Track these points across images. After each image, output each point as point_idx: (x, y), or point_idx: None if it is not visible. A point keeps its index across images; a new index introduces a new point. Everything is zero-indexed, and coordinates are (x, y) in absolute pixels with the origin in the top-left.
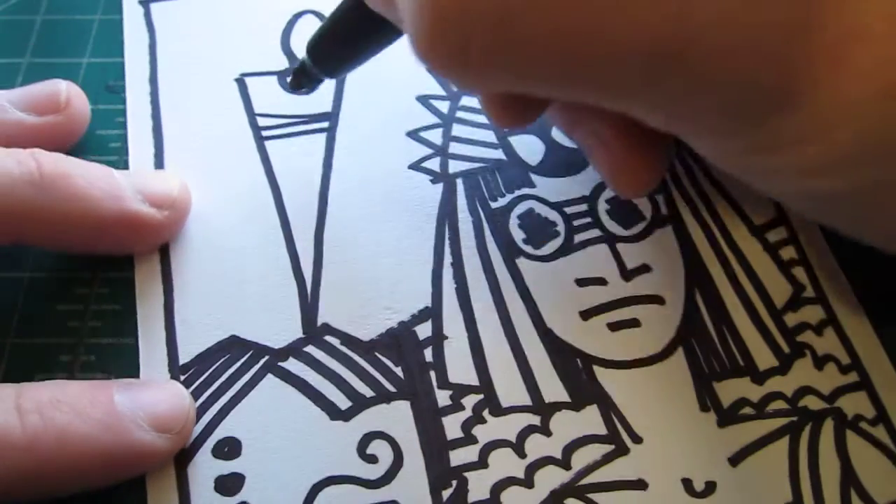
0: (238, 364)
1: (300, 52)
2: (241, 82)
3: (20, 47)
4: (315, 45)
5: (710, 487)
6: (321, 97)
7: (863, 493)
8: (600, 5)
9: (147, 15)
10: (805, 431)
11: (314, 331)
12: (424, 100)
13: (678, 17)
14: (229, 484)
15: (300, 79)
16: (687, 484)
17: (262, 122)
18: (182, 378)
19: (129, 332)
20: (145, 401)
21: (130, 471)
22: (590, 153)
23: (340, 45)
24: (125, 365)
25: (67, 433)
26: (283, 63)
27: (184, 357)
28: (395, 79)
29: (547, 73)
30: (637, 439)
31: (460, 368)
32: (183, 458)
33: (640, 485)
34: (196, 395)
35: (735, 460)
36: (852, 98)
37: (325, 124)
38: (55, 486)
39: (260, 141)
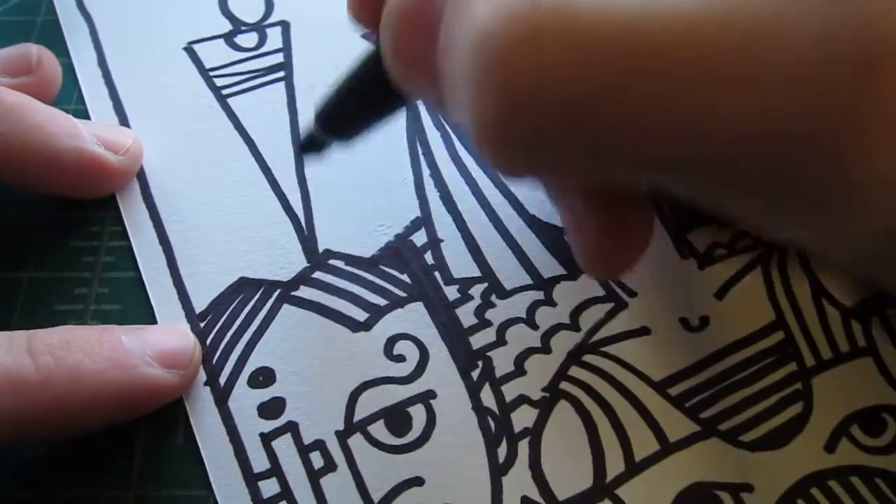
0: (253, 301)
1: (239, 12)
2: (189, 50)
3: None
4: (326, 114)
5: (705, 321)
6: (271, 47)
7: (832, 300)
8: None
9: (80, 5)
10: (773, 259)
11: (318, 258)
12: (369, 36)
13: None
14: (272, 408)
15: (310, 148)
16: (684, 322)
17: (219, 82)
18: (202, 325)
19: None
20: (151, 340)
21: (142, 406)
22: (565, 222)
23: (357, 113)
24: None
25: (79, 371)
26: (226, 26)
27: (199, 306)
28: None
29: (617, 166)
30: (632, 293)
31: (461, 264)
32: (222, 395)
33: (644, 331)
34: (219, 337)
35: (720, 294)
36: None
37: (281, 74)
38: (69, 424)
39: (222, 100)
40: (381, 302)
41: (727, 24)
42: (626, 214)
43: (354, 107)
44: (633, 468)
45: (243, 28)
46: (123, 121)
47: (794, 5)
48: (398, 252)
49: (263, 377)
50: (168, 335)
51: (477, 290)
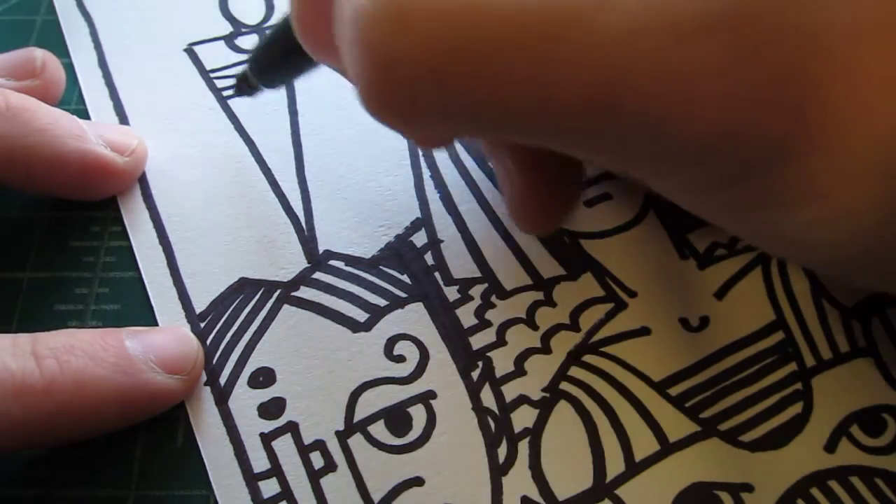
0: (253, 301)
1: (240, 14)
2: (190, 52)
3: (20, 48)
4: (255, 60)
5: (705, 321)
6: None
7: (832, 300)
8: (532, 58)
9: (80, 5)
10: (773, 259)
11: (318, 258)
12: None
13: (610, 68)
14: (272, 408)
15: (242, 88)
16: (684, 322)
17: (220, 83)
18: (202, 325)
19: None
20: (154, 344)
21: (145, 412)
22: (499, 182)
23: (278, 63)
24: None
25: (84, 376)
26: (226, 28)
27: (199, 306)
28: None
29: (489, 124)
30: (632, 294)
31: (461, 265)
32: (222, 395)
33: (644, 331)
34: (219, 337)
35: (720, 294)
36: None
37: None
38: (73, 430)
39: (223, 101)
40: (382, 302)
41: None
42: (554, 173)
43: (276, 59)
44: (634, 468)
45: (244, 30)
46: (123, 121)
47: None
48: (398, 252)
49: (264, 377)
50: (171, 339)
51: (477, 291)
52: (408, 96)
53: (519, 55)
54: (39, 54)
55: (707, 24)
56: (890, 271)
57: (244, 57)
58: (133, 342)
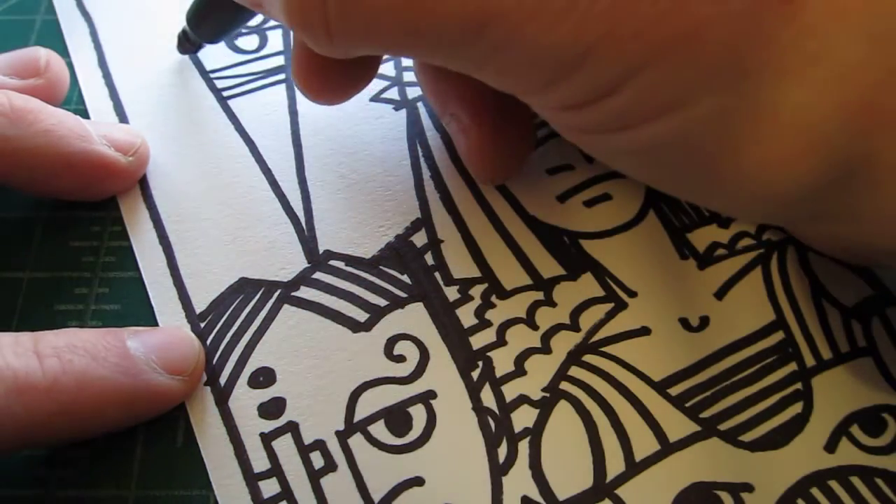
0: (253, 301)
1: None
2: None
3: (20, 47)
4: (192, 16)
5: (705, 321)
6: (272, 50)
7: (832, 300)
8: None
9: (80, 5)
10: (773, 259)
11: (318, 258)
12: None
13: None
14: (272, 408)
15: (184, 45)
16: (684, 322)
17: (220, 84)
18: (202, 325)
19: None
20: (156, 345)
21: (146, 412)
22: (454, 137)
23: (213, 16)
24: None
25: (86, 376)
26: None
27: (199, 306)
28: None
29: (389, 37)
30: (632, 294)
31: (461, 265)
32: (222, 395)
33: (644, 331)
34: (219, 336)
35: (720, 294)
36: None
37: (282, 76)
38: (75, 429)
39: (223, 101)
40: (382, 302)
41: None
42: (505, 125)
43: (209, 11)
44: (634, 468)
45: (244, 31)
46: (123, 121)
47: None
48: (398, 252)
49: (264, 377)
50: (172, 340)
51: (477, 291)
52: (321, 15)
53: None
54: (43, 53)
55: None
56: (826, 213)
57: (245, 57)
58: (135, 342)
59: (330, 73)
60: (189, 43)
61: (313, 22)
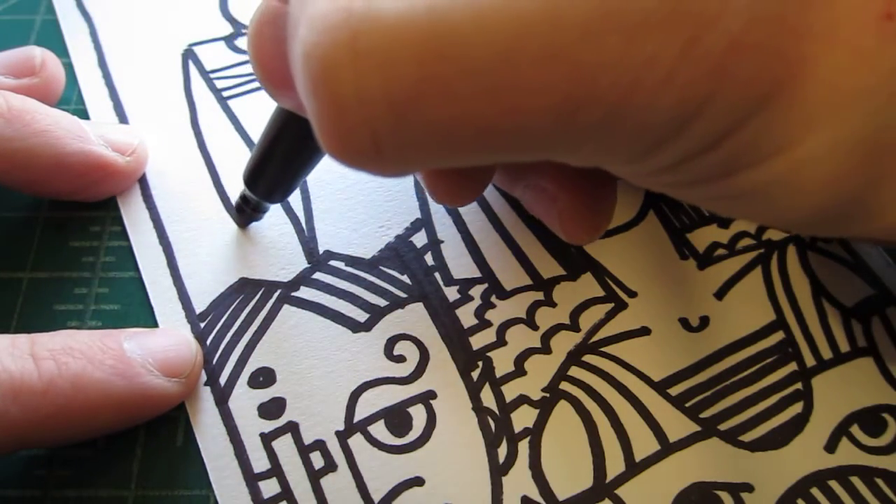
0: (253, 301)
1: (240, 15)
2: (190, 52)
3: (19, 47)
4: (252, 177)
5: (705, 321)
6: None
7: (832, 300)
8: (490, 77)
9: (80, 5)
10: (773, 259)
11: (318, 259)
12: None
13: (573, 79)
14: (272, 408)
15: (246, 214)
16: (684, 322)
17: (220, 84)
18: (202, 325)
19: None
20: (153, 347)
21: (142, 415)
22: (532, 206)
23: (279, 173)
24: None
25: (82, 379)
26: (226, 28)
27: (199, 306)
28: None
29: (459, 150)
30: (632, 294)
31: (461, 265)
32: (222, 395)
33: (644, 331)
34: (219, 337)
35: (720, 294)
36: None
37: None
38: (71, 431)
39: (223, 101)
40: (382, 303)
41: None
42: (590, 181)
43: (271, 164)
44: (634, 468)
45: (244, 31)
46: (123, 121)
47: None
48: (398, 253)
49: (264, 377)
50: (170, 342)
51: (477, 291)
52: (367, 137)
53: (486, 76)
54: (39, 52)
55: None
56: (848, 222)
57: (245, 57)
58: (132, 344)
59: (452, 177)
60: (250, 208)
61: (362, 158)
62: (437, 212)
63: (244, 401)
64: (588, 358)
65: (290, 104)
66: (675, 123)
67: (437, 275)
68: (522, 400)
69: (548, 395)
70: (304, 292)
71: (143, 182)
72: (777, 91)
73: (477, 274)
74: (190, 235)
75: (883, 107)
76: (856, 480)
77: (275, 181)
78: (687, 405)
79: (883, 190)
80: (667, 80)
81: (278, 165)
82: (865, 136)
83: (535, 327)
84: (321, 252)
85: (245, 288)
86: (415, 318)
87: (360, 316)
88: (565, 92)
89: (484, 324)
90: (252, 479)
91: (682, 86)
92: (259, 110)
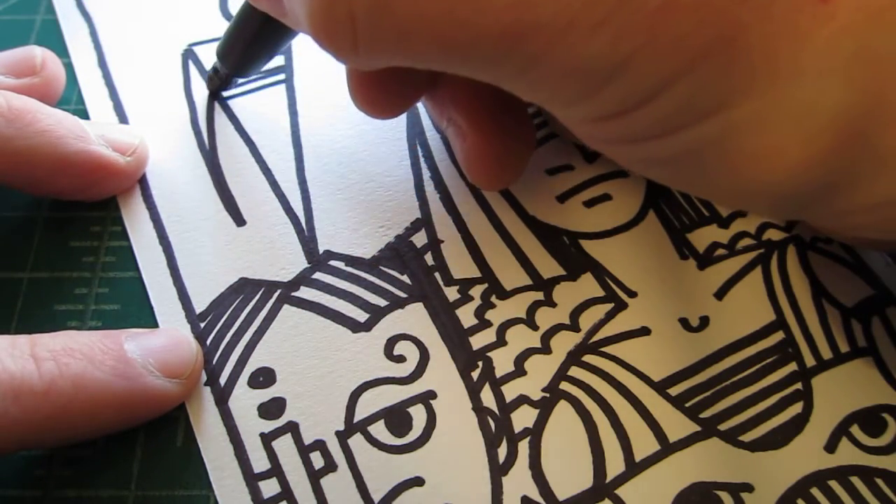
0: (253, 301)
1: None
2: (190, 52)
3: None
4: (223, 51)
5: (705, 321)
6: None
7: (832, 300)
8: None
9: (80, 5)
10: (773, 259)
11: (318, 259)
12: None
13: (521, 5)
14: (272, 408)
15: (215, 82)
16: (684, 322)
17: None
18: (202, 325)
19: None
20: (154, 348)
21: (143, 415)
22: (452, 144)
23: (245, 48)
24: None
25: (83, 380)
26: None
27: (199, 306)
28: None
29: (420, 49)
30: (632, 294)
31: (461, 265)
32: (222, 395)
33: (644, 331)
34: (219, 337)
35: (720, 294)
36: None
37: (282, 76)
38: (71, 432)
39: (223, 101)
40: (382, 302)
41: None
42: (503, 130)
43: (242, 42)
44: (634, 468)
45: None
46: (123, 121)
47: None
48: (398, 253)
49: (264, 377)
50: (170, 342)
51: (477, 291)
52: (348, 22)
53: None
54: (39, 52)
55: None
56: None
57: None
58: (132, 345)
59: (382, 86)
60: (218, 78)
61: (339, 34)
62: (437, 212)
63: (244, 401)
64: (588, 358)
65: (268, 5)
66: (607, 69)
67: (437, 275)
68: (522, 400)
69: (548, 395)
70: (304, 292)
71: (143, 182)
72: (710, 53)
73: (477, 274)
74: (190, 235)
75: (813, 84)
76: (856, 480)
77: (242, 59)
78: (687, 405)
79: (815, 171)
80: (601, 24)
81: (246, 44)
82: (799, 112)
83: (535, 327)
84: (321, 252)
85: (245, 288)
86: (415, 318)
87: (360, 316)
88: (513, 16)
89: (484, 324)
90: (252, 479)
91: (616, 33)
92: (259, 110)
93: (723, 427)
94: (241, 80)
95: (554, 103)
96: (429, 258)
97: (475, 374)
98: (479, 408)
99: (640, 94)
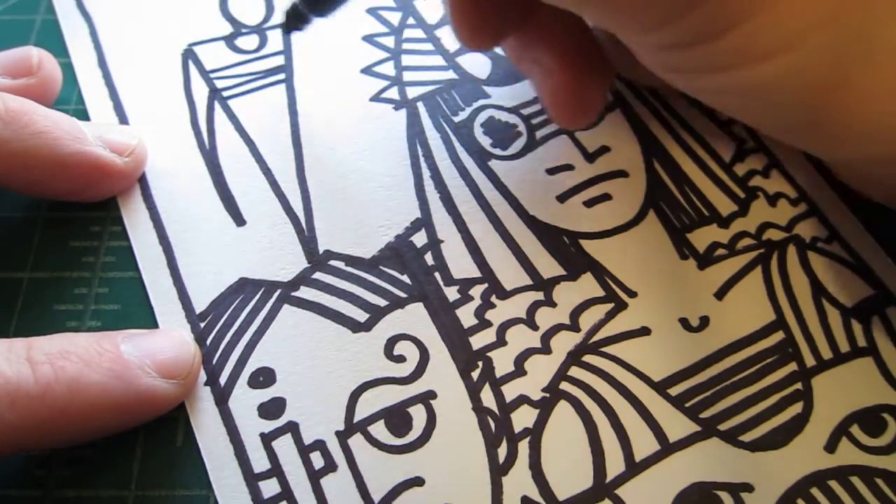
0: (253, 301)
1: (240, 14)
2: (190, 52)
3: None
4: None
5: (705, 321)
6: (272, 50)
7: (832, 300)
8: None
9: (80, 5)
10: (773, 259)
11: (318, 259)
12: (370, 38)
13: None
14: (272, 408)
15: (292, 22)
16: (684, 322)
17: (220, 83)
18: (202, 325)
19: None
20: (151, 349)
21: (140, 417)
22: (534, 84)
23: None
24: None
25: (79, 382)
26: (226, 28)
27: (199, 306)
28: (338, 23)
29: None
30: (632, 294)
31: (461, 265)
32: (222, 395)
33: (644, 332)
34: (219, 337)
35: (720, 294)
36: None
37: (282, 76)
38: (68, 434)
39: (223, 101)
40: (382, 302)
41: None
42: (587, 66)
43: None
44: (634, 468)
45: (244, 30)
46: (123, 121)
47: None
48: (398, 252)
49: (264, 377)
50: (168, 343)
51: (477, 291)
52: None
53: None
54: (35, 52)
55: None
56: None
57: (245, 57)
58: (129, 346)
59: (482, 14)
60: (298, 20)
61: None
62: (437, 212)
63: (244, 401)
64: (588, 358)
65: None
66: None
67: (437, 275)
68: (522, 400)
69: (548, 395)
70: (304, 292)
71: (143, 182)
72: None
73: (477, 274)
74: (190, 235)
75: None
76: (856, 480)
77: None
78: (687, 405)
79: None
80: None
81: None
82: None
83: (535, 327)
84: (321, 252)
85: (245, 288)
86: (415, 318)
87: (360, 316)
88: None
89: (484, 324)
90: (252, 479)
91: None
92: (259, 110)
93: (723, 427)
94: (233, 73)
95: (632, 29)
96: (429, 258)
97: (475, 374)
98: (479, 408)
99: (720, 23)
